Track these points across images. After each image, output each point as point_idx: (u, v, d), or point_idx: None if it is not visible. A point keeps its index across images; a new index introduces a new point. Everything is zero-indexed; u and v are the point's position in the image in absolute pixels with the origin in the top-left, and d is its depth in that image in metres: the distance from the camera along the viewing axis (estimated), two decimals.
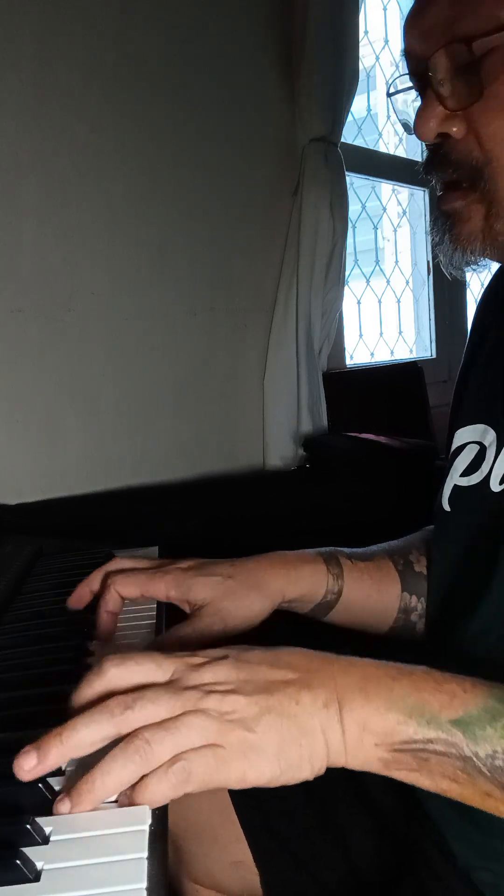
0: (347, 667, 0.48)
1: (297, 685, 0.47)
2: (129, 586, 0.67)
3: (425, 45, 0.62)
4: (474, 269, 0.69)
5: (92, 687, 0.47)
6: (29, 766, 0.43)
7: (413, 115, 0.65)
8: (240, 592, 0.67)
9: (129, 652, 0.49)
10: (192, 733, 0.44)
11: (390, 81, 0.70)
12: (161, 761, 0.43)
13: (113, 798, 0.44)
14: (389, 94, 0.71)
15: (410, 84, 0.68)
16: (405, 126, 0.70)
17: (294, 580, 0.71)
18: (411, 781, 0.47)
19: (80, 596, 0.70)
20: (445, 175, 0.64)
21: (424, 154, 0.68)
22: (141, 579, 0.67)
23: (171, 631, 0.65)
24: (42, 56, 1.33)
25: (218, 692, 0.46)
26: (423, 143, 0.67)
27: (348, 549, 0.77)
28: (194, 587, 0.66)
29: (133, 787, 0.43)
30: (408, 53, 0.65)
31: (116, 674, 0.47)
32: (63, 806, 0.43)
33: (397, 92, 0.69)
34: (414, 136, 0.65)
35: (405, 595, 0.77)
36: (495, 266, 0.73)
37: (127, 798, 0.43)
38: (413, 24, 0.63)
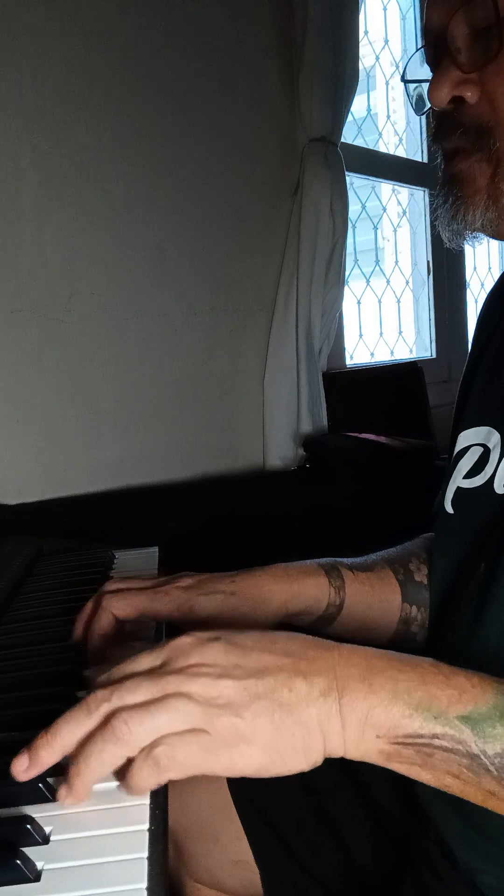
0: (350, 655, 0.46)
1: (291, 671, 0.45)
2: (125, 607, 0.64)
3: (444, 10, 0.62)
4: (470, 243, 0.69)
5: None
6: (22, 767, 0.44)
7: (425, 91, 0.65)
8: (243, 608, 0.65)
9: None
10: (174, 716, 0.43)
11: (406, 63, 0.70)
12: (141, 743, 0.42)
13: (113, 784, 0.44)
14: (406, 80, 0.71)
15: (421, 80, 0.68)
16: (417, 104, 0.70)
17: (296, 594, 0.69)
18: (412, 775, 0.46)
19: (80, 630, 0.66)
20: (454, 140, 0.64)
21: (433, 125, 0.68)
22: (139, 600, 0.64)
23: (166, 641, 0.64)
24: (42, 56, 1.33)
25: (205, 675, 0.44)
26: (430, 120, 0.68)
27: (349, 559, 0.76)
28: (196, 606, 0.64)
29: (123, 779, 0.43)
30: (426, 27, 0.65)
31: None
32: (62, 791, 0.44)
33: (413, 80, 0.70)
34: (423, 114, 0.67)
35: (405, 605, 0.76)
36: (485, 258, 0.72)
37: (126, 789, 0.44)
38: None
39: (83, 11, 1.38)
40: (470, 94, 0.62)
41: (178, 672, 0.45)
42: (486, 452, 0.68)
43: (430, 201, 0.71)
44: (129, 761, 0.44)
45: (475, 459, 0.69)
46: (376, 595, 0.75)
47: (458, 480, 0.70)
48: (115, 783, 0.46)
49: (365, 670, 0.45)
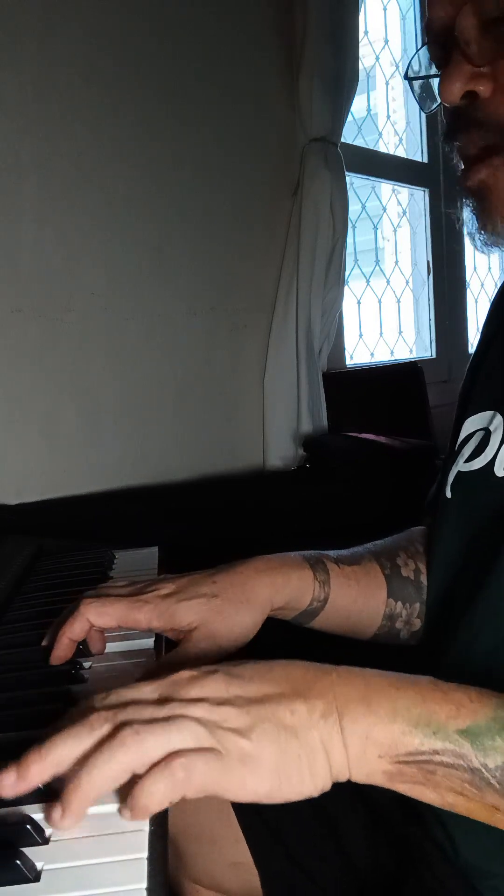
0: (348, 677, 0.46)
1: (291, 696, 0.45)
2: (103, 616, 0.61)
3: (451, 4, 0.60)
4: (500, 249, 0.65)
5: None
6: (9, 782, 0.41)
7: (434, 90, 0.63)
8: (228, 610, 0.63)
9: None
10: (185, 734, 0.41)
11: (409, 61, 0.68)
12: (152, 757, 0.41)
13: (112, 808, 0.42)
14: (409, 77, 0.68)
15: (424, 77, 0.67)
16: (424, 101, 0.68)
17: (281, 587, 0.67)
18: (416, 795, 0.45)
19: (50, 637, 0.64)
20: (469, 137, 0.62)
21: (445, 123, 0.65)
22: (118, 609, 0.62)
23: (162, 661, 0.62)
24: (42, 56, 1.33)
25: (208, 702, 0.44)
26: (439, 118, 0.65)
27: (334, 552, 0.74)
28: (178, 613, 0.62)
29: (129, 797, 0.41)
30: (430, 24, 0.63)
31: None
32: (55, 813, 0.41)
33: (418, 77, 0.67)
34: (431, 111, 0.64)
35: (391, 601, 0.75)
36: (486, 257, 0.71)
37: (127, 811, 0.41)
38: None
39: (83, 11, 1.38)
40: (483, 88, 0.60)
41: (180, 701, 0.44)
42: (487, 435, 0.67)
43: (456, 211, 0.68)
44: (132, 786, 0.41)
45: (477, 444, 0.68)
46: (361, 590, 0.73)
47: (459, 465, 0.69)
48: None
49: (363, 690, 0.45)
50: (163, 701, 0.44)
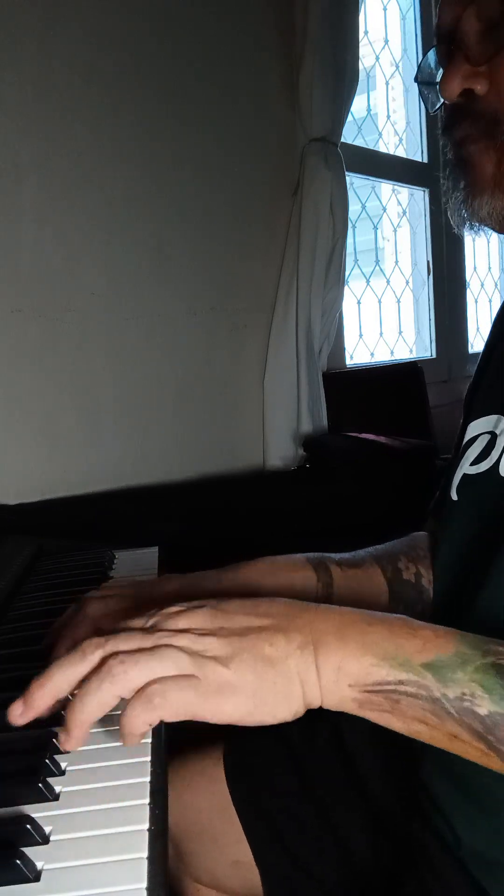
0: (326, 613, 0.50)
1: (272, 629, 0.48)
2: (105, 620, 0.62)
3: (457, 6, 0.64)
4: (473, 233, 0.69)
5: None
6: (18, 712, 0.46)
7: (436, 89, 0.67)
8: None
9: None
10: (166, 662, 0.45)
11: (418, 64, 0.73)
12: (136, 684, 0.45)
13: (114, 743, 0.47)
14: (419, 81, 0.73)
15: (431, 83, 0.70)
16: (430, 103, 0.72)
17: (284, 589, 0.69)
18: (384, 723, 0.48)
19: (51, 638, 0.65)
20: (462, 128, 0.66)
21: (443, 119, 0.69)
22: (119, 613, 0.62)
23: (157, 580, 0.65)
24: (42, 56, 1.33)
25: (193, 633, 0.47)
26: (440, 115, 0.69)
27: (337, 554, 0.76)
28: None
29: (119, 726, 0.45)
30: (438, 25, 0.67)
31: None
32: (61, 737, 0.45)
33: (426, 82, 0.71)
34: (436, 111, 0.68)
35: (392, 605, 0.76)
36: (485, 258, 0.73)
37: (122, 739, 0.45)
38: None
39: (83, 12, 1.38)
40: (480, 86, 0.64)
41: (167, 631, 0.48)
42: (493, 438, 0.69)
43: (442, 185, 0.74)
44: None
45: (482, 447, 0.70)
46: (364, 593, 0.75)
47: (464, 468, 0.71)
48: (115, 782, 0.46)
49: (338, 625, 0.49)
50: (152, 630, 0.48)
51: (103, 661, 0.46)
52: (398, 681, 0.47)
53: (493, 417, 0.70)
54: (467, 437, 0.72)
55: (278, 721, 0.47)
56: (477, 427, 0.71)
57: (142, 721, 0.44)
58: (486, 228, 0.68)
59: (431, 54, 0.70)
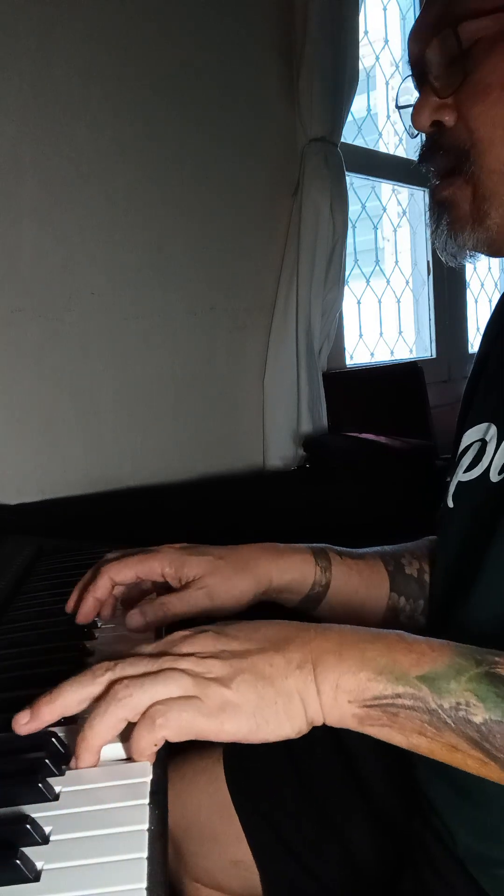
0: (324, 632, 0.51)
1: (270, 651, 0.50)
2: (122, 570, 0.68)
3: (422, 40, 0.67)
4: (470, 261, 0.72)
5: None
6: (23, 721, 0.48)
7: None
8: (228, 572, 0.69)
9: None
10: (170, 684, 0.47)
11: (397, 92, 0.76)
12: (141, 707, 0.47)
13: (121, 756, 0.48)
14: (398, 106, 0.75)
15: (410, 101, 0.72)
16: (410, 129, 0.74)
17: (282, 567, 0.72)
18: (384, 737, 0.49)
19: (76, 598, 0.71)
20: (436, 161, 0.69)
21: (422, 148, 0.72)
22: (133, 561, 0.69)
23: (158, 598, 0.67)
24: (42, 56, 1.33)
25: (195, 656, 0.49)
26: (422, 139, 0.72)
27: (340, 547, 0.78)
28: (187, 564, 0.68)
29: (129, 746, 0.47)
30: (410, 56, 0.70)
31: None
32: (72, 763, 0.47)
33: (405, 106, 0.74)
34: (417, 138, 0.71)
35: (393, 595, 0.78)
36: (485, 259, 0.75)
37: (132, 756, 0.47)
38: (415, 26, 0.69)
39: (83, 12, 1.38)
40: (448, 118, 0.66)
41: (172, 655, 0.50)
42: (484, 445, 0.70)
43: (428, 224, 0.79)
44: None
45: (474, 454, 0.71)
46: (364, 580, 0.77)
47: (458, 476, 0.72)
48: (115, 782, 0.46)
49: (336, 643, 0.50)
50: (158, 656, 0.50)
51: (110, 686, 0.48)
52: (395, 694, 0.48)
53: (484, 426, 0.71)
54: (462, 445, 0.73)
55: (281, 738, 0.49)
56: (471, 436, 0.73)
57: (146, 742, 0.46)
58: (478, 254, 0.71)
59: (410, 81, 0.72)
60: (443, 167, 0.68)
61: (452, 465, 0.74)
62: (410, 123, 0.70)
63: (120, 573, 0.68)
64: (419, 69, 0.68)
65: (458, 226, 0.68)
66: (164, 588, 0.71)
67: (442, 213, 0.69)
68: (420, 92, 0.68)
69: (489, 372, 0.76)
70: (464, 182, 0.66)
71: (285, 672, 0.49)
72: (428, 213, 0.73)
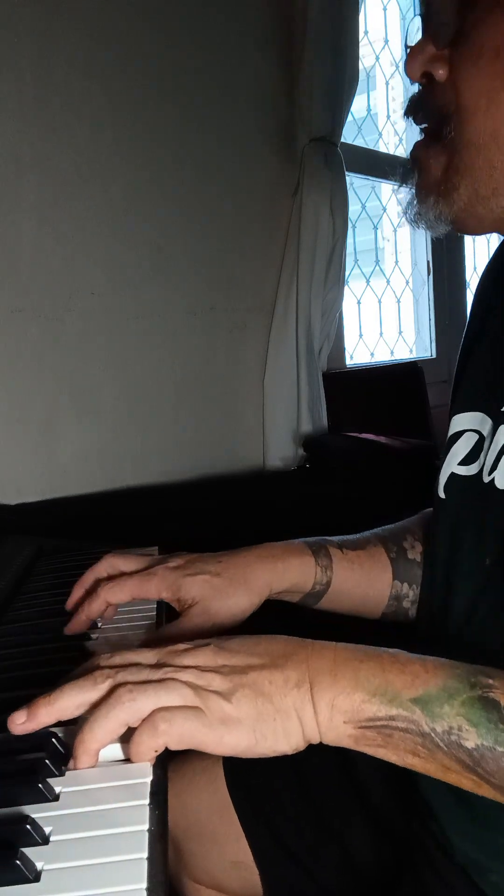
0: (321, 650, 0.51)
1: (270, 668, 0.50)
2: (118, 593, 0.68)
3: None
4: (425, 228, 0.67)
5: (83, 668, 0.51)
6: (20, 721, 0.48)
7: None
8: (227, 591, 0.68)
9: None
10: (172, 693, 0.47)
11: (405, 34, 0.72)
12: (143, 712, 0.46)
13: (120, 758, 0.47)
14: (406, 47, 0.70)
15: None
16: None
17: (281, 573, 0.71)
18: (380, 756, 0.49)
19: (76, 599, 0.71)
20: (419, 119, 0.65)
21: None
22: (131, 584, 0.68)
23: (160, 630, 0.67)
24: (42, 56, 1.33)
25: (197, 669, 0.49)
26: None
27: (339, 537, 0.77)
28: (184, 587, 0.68)
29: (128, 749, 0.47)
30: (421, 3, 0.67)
31: (106, 661, 0.51)
32: (70, 764, 0.47)
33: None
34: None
35: (396, 583, 0.78)
36: (494, 241, 0.71)
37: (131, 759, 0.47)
38: None
39: (83, 11, 1.38)
40: (441, 72, 0.62)
41: (173, 666, 0.50)
42: (481, 440, 0.68)
43: (398, 173, 0.73)
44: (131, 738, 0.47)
45: (471, 446, 0.69)
46: (365, 573, 0.76)
47: (452, 465, 0.70)
48: (115, 782, 0.46)
49: (332, 662, 0.50)
50: (159, 666, 0.50)
51: (112, 690, 0.47)
52: (389, 716, 0.48)
53: (479, 415, 0.69)
54: (452, 429, 0.71)
55: (278, 754, 0.49)
56: (462, 421, 0.70)
57: (147, 747, 0.46)
58: (441, 225, 0.66)
59: (419, 23, 0.67)
60: (422, 125, 0.65)
61: (444, 450, 0.72)
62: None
63: (116, 596, 0.68)
64: (427, 10, 0.64)
65: (424, 193, 0.64)
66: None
67: (412, 172, 0.66)
68: (422, 36, 0.63)
69: (482, 352, 0.72)
70: (441, 148, 0.62)
71: (283, 690, 0.49)
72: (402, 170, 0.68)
